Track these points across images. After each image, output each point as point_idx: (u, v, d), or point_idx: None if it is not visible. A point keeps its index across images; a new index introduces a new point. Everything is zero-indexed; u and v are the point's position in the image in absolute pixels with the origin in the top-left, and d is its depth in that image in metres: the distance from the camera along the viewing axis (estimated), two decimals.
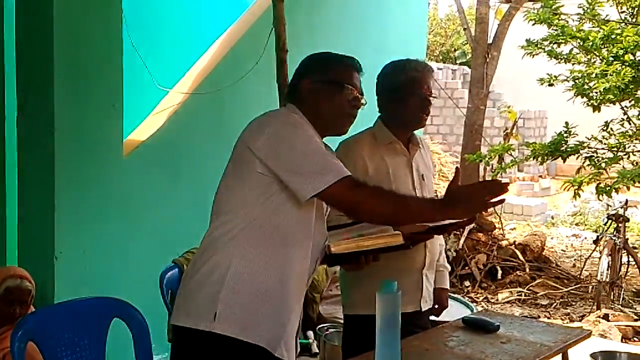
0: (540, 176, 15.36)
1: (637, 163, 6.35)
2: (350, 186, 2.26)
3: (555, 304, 7.19)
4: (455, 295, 5.16)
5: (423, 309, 3.15)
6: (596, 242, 7.62)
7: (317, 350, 5.07)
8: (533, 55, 6.63)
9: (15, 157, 4.51)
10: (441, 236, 3.38)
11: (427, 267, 3.12)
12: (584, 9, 6.37)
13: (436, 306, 3.32)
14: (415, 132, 3.17)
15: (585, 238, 10.38)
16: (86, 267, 4.31)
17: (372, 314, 2.69)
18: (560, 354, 3.02)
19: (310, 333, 5.31)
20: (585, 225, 11.45)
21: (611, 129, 6.37)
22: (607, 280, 6.87)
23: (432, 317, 3.37)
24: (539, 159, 6.50)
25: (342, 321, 5.06)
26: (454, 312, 4.68)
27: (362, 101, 2.49)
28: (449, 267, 3.44)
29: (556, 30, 6.42)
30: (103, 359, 3.10)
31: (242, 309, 2.30)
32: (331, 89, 2.44)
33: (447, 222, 3.00)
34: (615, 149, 6.30)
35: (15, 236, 4.56)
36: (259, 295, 2.31)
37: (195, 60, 5.44)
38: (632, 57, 6.11)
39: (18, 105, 4.38)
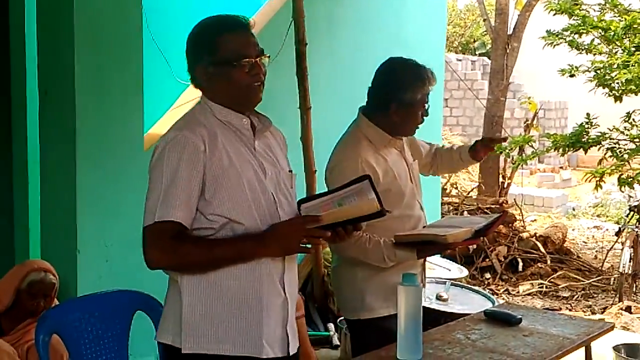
0: (561, 167, 15.26)
1: None
2: (152, 233, 2.15)
3: (576, 296, 7.15)
4: (477, 288, 5.14)
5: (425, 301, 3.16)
6: (618, 233, 7.55)
7: (338, 343, 5.08)
8: (554, 46, 6.56)
9: (37, 151, 4.55)
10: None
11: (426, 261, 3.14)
12: None
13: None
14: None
15: (607, 230, 10.30)
16: (108, 260, 4.34)
17: (392, 314, 2.70)
18: (583, 347, 3.01)
19: (331, 326, 5.32)
20: (607, 216, 11.36)
21: (633, 119, 6.30)
22: (630, 272, 6.81)
23: (455, 310, 3.36)
24: (560, 150, 6.43)
25: None
26: (475, 304, 4.67)
27: (264, 61, 2.31)
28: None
29: (577, 20, 6.35)
30: (126, 352, 3.13)
31: (206, 323, 2.22)
32: (224, 70, 2.26)
33: (490, 220, 2.97)
34: (637, 139, 6.24)
35: (38, 230, 4.60)
36: (222, 303, 2.22)
37: None
38: None
39: (40, 101, 4.42)
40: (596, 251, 9.01)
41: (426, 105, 3.01)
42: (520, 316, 3.08)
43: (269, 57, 2.34)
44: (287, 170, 2.42)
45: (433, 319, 3.46)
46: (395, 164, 3.02)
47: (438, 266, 5.84)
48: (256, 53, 2.30)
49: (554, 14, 6.49)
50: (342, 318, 5.12)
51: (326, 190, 2.48)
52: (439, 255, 5.59)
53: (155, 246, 2.15)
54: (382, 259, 2.89)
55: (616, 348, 4.52)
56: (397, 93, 2.97)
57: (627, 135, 6.25)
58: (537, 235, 8.19)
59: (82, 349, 3.00)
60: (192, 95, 5.10)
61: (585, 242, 9.69)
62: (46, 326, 2.92)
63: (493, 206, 8.26)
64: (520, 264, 7.73)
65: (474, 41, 19.60)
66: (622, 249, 7.02)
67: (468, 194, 9.52)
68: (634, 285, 6.95)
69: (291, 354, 2.35)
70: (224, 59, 2.26)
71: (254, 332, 2.24)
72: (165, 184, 2.16)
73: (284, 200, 2.33)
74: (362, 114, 3.07)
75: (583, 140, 6.29)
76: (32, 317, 3.83)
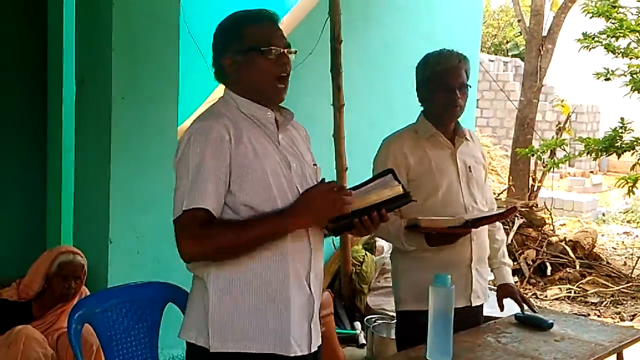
0: (592, 172, 15.12)
1: None
2: (183, 222, 2.13)
3: (605, 302, 7.08)
4: None
5: (473, 304, 3.11)
6: None
7: (365, 342, 5.07)
8: (590, 49, 6.51)
9: (72, 141, 4.59)
10: (501, 230, 3.34)
11: (476, 262, 3.08)
12: None
13: (504, 301, 3.25)
14: (467, 125, 3.14)
15: (637, 236, 10.20)
16: (139, 251, 4.36)
17: (421, 309, 2.69)
18: (615, 354, 2.98)
19: (358, 324, 5.31)
20: (637, 222, 11.24)
21: None
22: None
23: (488, 313, 3.34)
24: (593, 154, 6.39)
25: (390, 313, 5.10)
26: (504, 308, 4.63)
27: (292, 54, 2.31)
28: (510, 263, 3.36)
29: (614, 23, 6.30)
30: (156, 343, 3.15)
31: (234, 321, 2.20)
32: (252, 58, 2.25)
33: (484, 214, 2.99)
34: None
35: (71, 220, 4.64)
36: (249, 301, 2.21)
37: None
38: None
39: (76, 90, 4.45)
40: (626, 257, 8.91)
41: (447, 84, 2.97)
42: (551, 321, 3.06)
43: (295, 52, 2.33)
44: (312, 164, 2.41)
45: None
46: (439, 158, 3.03)
47: None
48: (283, 45, 2.30)
49: (591, 17, 6.44)
50: (368, 317, 5.13)
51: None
52: None
53: (187, 236, 2.13)
54: (401, 243, 2.96)
55: None
56: (416, 75, 3.07)
57: None
58: (567, 239, 8.13)
59: (113, 339, 3.01)
60: None
61: (615, 248, 9.58)
62: (79, 316, 2.94)
63: (522, 209, 8.20)
64: (549, 268, 7.67)
65: (507, 42, 19.48)
66: None
67: (498, 196, 9.46)
68: None
69: (312, 351, 2.33)
70: (252, 46, 2.25)
71: (282, 330, 2.23)
72: (192, 174, 2.15)
73: None
74: (422, 113, 3.14)
75: (616, 144, 6.24)
76: (63, 302, 3.88)
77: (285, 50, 2.29)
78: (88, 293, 3.91)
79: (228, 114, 2.26)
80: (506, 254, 3.33)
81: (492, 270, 3.28)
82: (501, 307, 3.23)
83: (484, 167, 3.23)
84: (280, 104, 2.38)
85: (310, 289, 2.30)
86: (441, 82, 2.98)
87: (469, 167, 3.10)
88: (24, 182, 5.05)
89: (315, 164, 2.43)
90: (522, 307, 3.16)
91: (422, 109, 3.12)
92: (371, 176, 2.47)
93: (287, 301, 2.23)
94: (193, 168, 2.15)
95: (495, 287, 3.26)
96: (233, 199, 2.19)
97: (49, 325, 3.86)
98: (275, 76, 2.27)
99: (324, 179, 2.31)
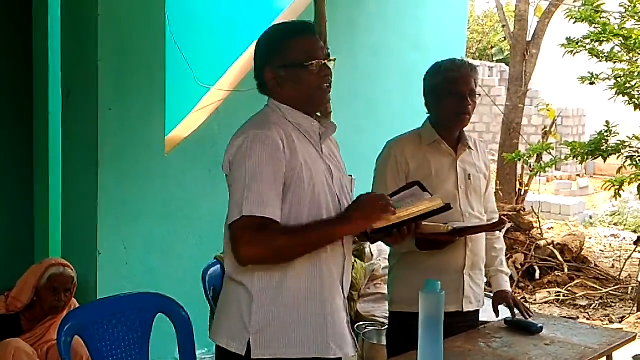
0: (578, 175, 15.19)
1: None
2: (240, 226, 2.17)
3: (594, 304, 7.11)
4: None
5: (465, 310, 3.12)
6: (637, 242, 7.52)
7: (357, 348, 5.06)
8: (574, 54, 6.54)
9: (59, 153, 4.58)
10: (501, 239, 3.37)
11: (469, 267, 3.10)
12: (625, 7, 6.28)
13: (499, 307, 3.25)
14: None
15: (624, 238, 10.25)
16: (128, 262, 4.36)
17: (414, 311, 2.70)
18: (605, 357, 2.99)
19: None
20: (624, 225, 11.30)
21: None
22: None
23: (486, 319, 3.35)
24: (579, 158, 6.41)
25: (380, 319, 5.10)
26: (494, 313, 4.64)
27: (331, 64, 2.35)
28: (508, 271, 3.35)
29: (598, 28, 6.33)
30: (147, 354, 3.14)
31: (275, 327, 2.25)
32: (295, 72, 2.31)
33: (471, 224, 3.02)
34: None
35: (58, 232, 4.63)
36: (289, 306, 2.26)
37: (236, 57, 5.46)
38: None
39: (62, 102, 4.45)
40: (614, 260, 8.95)
41: (459, 91, 3.01)
42: (541, 325, 3.07)
43: (335, 60, 2.38)
44: (347, 174, 2.49)
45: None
46: (440, 165, 3.06)
47: None
48: (324, 56, 2.34)
49: (575, 22, 6.47)
50: (359, 323, 5.12)
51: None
52: None
53: (245, 240, 2.16)
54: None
55: (636, 358, 4.50)
56: (425, 81, 3.13)
57: None
58: (555, 243, 8.16)
59: (103, 351, 3.00)
60: (213, 98, 5.13)
61: (603, 251, 9.63)
62: (69, 328, 2.91)
63: (510, 213, 8.22)
64: (537, 272, 7.70)
65: (492, 47, 19.57)
66: None
67: None
68: None
69: (357, 351, 2.47)
70: (294, 61, 2.30)
71: (322, 334, 2.29)
72: (250, 180, 2.18)
73: (346, 203, 2.37)
74: (428, 119, 3.18)
75: (602, 148, 6.26)
76: (52, 314, 3.87)
77: (326, 61, 2.34)
78: (77, 305, 3.90)
79: (278, 122, 2.31)
80: (504, 262, 3.34)
81: (489, 278, 3.29)
82: (497, 314, 3.24)
83: (485, 177, 3.24)
84: (319, 115, 2.44)
85: (343, 292, 2.38)
86: (453, 88, 3.02)
87: (469, 175, 3.13)
88: (11, 194, 5.03)
89: (350, 175, 2.51)
90: (512, 313, 3.17)
91: (427, 115, 3.17)
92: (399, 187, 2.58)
93: (327, 305, 2.30)
94: (252, 174, 2.19)
95: (492, 295, 3.25)
96: (283, 205, 2.24)
97: (39, 338, 3.84)
98: (317, 88, 2.33)
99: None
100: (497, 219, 3.28)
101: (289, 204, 2.23)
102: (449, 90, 3.02)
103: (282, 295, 2.25)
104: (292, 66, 2.30)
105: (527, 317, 3.18)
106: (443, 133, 3.09)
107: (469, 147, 3.15)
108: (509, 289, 3.30)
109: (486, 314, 3.38)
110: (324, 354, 2.30)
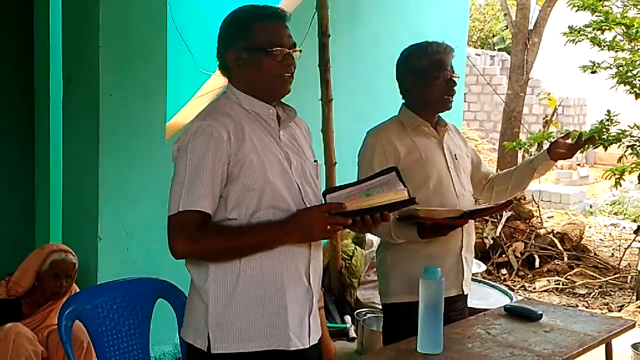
0: (579, 164, 15.18)
1: None
2: (177, 221, 2.15)
3: (593, 293, 7.13)
4: (494, 283, 5.14)
5: (465, 293, 3.14)
6: (637, 231, 7.53)
7: (355, 335, 5.09)
8: (576, 43, 6.53)
9: (60, 138, 4.58)
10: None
11: (466, 249, 3.10)
12: None
13: None
14: (455, 119, 3.16)
15: (624, 227, 10.26)
16: (128, 248, 4.36)
17: (413, 301, 2.70)
18: (604, 344, 3.00)
19: (348, 318, 5.33)
20: (624, 214, 11.31)
21: None
22: None
23: (472, 305, 3.36)
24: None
25: (379, 306, 5.11)
26: (492, 299, 4.67)
27: (297, 54, 2.30)
28: None
29: (600, 16, 6.32)
30: (147, 339, 3.15)
31: (234, 321, 2.21)
32: (257, 56, 2.25)
33: (482, 206, 3.03)
34: None
35: (59, 217, 4.63)
36: (247, 297, 2.21)
37: None
38: None
39: (63, 88, 4.44)
40: (613, 249, 8.97)
41: (445, 73, 2.99)
42: (540, 312, 3.08)
43: (300, 51, 2.33)
44: (312, 161, 2.42)
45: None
46: (427, 148, 3.03)
47: None
48: (289, 45, 2.29)
49: (577, 10, 6.46)
50: (359, 311, 5.14)
51: (351, 181, 2.48)
52: None
53: (180, 236, 2.15)
54: (390, 236, 2.93)
55: (635, 346, 4.52)
56: (405, 65, 3.05)
57: None
58: (555, 232, 8.17)
59: (103, 335, 3.02)
60: (214, 85, 5.12)
61: (602, 240, 9.65)
62: (69, 312, 2.94)
63: None
64: (537, 260, 7.71)
65: (493, 36, 19.51)
66: None
67: None
68: None
69: (311, 344, 2.34)
70: (258, 46, 2.25)
71: (281, 325, 2.24)
72: (189, 173, 2.16)
73: (310, 190, 2.33)
74: (403, 104, 3.13)
75: (603, 137, 6.26)
76: (53, 300, 3.88)
77: (291, 50, 2.29)
78: (78, 290, 3.91)
79: (229, 110, 2.27)
80: None
81: (531, 162, 3.28)
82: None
83: (468, 155, 3.25)
84: (282, 101, 2.39)
85: (309, 282, 2.31)
86: (440, 70, 2.98)
87: (455, 155, 3.12)
88: (12, 180, 5.03)
89: (316, 161, 2.45)
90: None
91: (402, 102, 3.13)
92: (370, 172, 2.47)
93: (285, 296, 2.24)
94: (191, 168, 2.17)
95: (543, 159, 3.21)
96: (232, 196, 2.20)
97: (39, 323, 3.85)
98: (279, 76, 2.28)
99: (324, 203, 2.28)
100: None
101: (240, 191, 2.19)
102: (436, 74, 2.98)
103: (239, 287, 2.21)
104: (255, 50, 2.25)
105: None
106: (424, 117, 3.06)
107: (448, 129, 3.14)
108: None
109: (478, 299, 3.40)
110: (284, 346, 2.25)
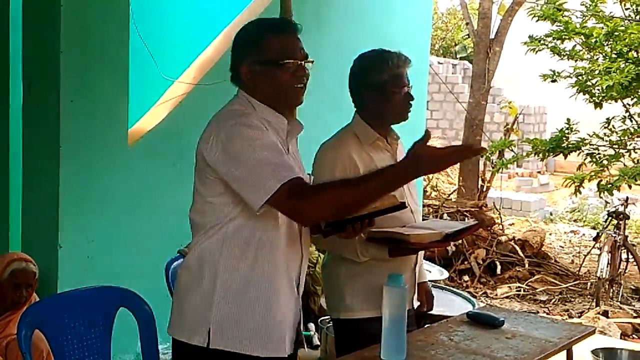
0: (539, 172, 15.37)
1: (638, 161, 6.35)
2: (287, 194, 2.13)
3: (554, 299, 7.22)
4: (458, 290, 5.17)
5: (414, 307, 3.14)
6: (596, 238, 7.64)
7: (319, 343, 5.08)
8: (536, 52, 6.60)
9: (20, 145, 4.51)
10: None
11: (419, 264, 3.10)
12: (587, 6, 6.36)
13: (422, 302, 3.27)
14: (417, 127, 3.16)
15: (584, 235, 10.41)
16: (89, 256, 4.31)
17: (373, 316, 2.71)
18: (565, 350, 3.03)
19: (312, 325, 5.32)
20: (584, 221, 11.47)
21: (613, 126, 6.36)
22: (607, 277, 6.89)
23: (434, 312, 3.36)
24: (540, 155, 6.49)
25: None
26: (455, 306, 4.69)
27: (309, 65, 2.37)
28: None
29: (560, 26, 6.40)
30: (109, 348, 3.11)
31: (237, 321, 2.27)
32: (270, 69, 2.31)
33: (460, 227, 3.00)
34: (616, 146, 6.30)
35: (19, 224, 4.56)
36: (251, 303, 2.27)
37: (200, 50, 5.42)
38: (635, 55, 6.09)
39: (24, 93, 4.38)
40: (573, 256, 9.09)
41: (405, 88, 2.95)
42: (502, 318, 3.10)
43: (312, 61, 2.38)
44: (306, 173, 2.49)
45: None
46: (383, 163, 2.91)
47: None
48: (302, 56, 2.35)
49: (537, 20, 6.53)
50: (322, 318, 5.13)
51: None
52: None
53: (305, 199, 2.14)
54: (355, 253, 2.88)
55: (594, 352, 4.56)
56: (363, 77, 2.99)
57: (606, 141, 6.31)
58: (516, 239, 8.26)
59: (64, 345, 2.97)
60: (177, 91, 5.09)
61: (562, 247, 9.78)
62: (29, 321, 2.88)
63: (472, 209, 8.30)
64: (499, 267, 7.79)
65: (455, 45, 19.69)
66: (599, 254, 7.09)
67: (448, 196, 9.57)
68: (611, 290, 7.03)
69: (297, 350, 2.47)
70: (270, 59, 2.30)
71: (277, 331, 2.32)
72: (260, 154, 2.16)
73: None
74: (356, 113, 3.07)
75: (563, 145, 6.34)
76: (12, 309, 3.81)
77: (303, 62, 2.34)
78: (38, 299, 3.85)
79: (251, 112, 2.31)
80: None
81: None
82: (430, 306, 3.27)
83: None
84: (290, 114, 2.44)
85: (297, 291, 2.40)
86: (401, 86, 2.94)
87: None
88: None
89: (309, 174, 2.51)
90: None
91: (354, 111, 3.08)
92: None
93: (280, 304, 2.32)
94: (261, 149, 2.17)
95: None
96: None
97: None
98: (292, 87, 2.34)
99: None
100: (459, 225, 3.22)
101: None
102: (397, 89, 2.94)
103: (244, 291, 2.26)
104: (268, 63, 2.30)
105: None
106: (379, 129, 3.00)
107: (397, 139, 3.09)
108: (426, 279, 3.31)
109: (448, 308, 3.42)
110: (281, 353, 2.33)
